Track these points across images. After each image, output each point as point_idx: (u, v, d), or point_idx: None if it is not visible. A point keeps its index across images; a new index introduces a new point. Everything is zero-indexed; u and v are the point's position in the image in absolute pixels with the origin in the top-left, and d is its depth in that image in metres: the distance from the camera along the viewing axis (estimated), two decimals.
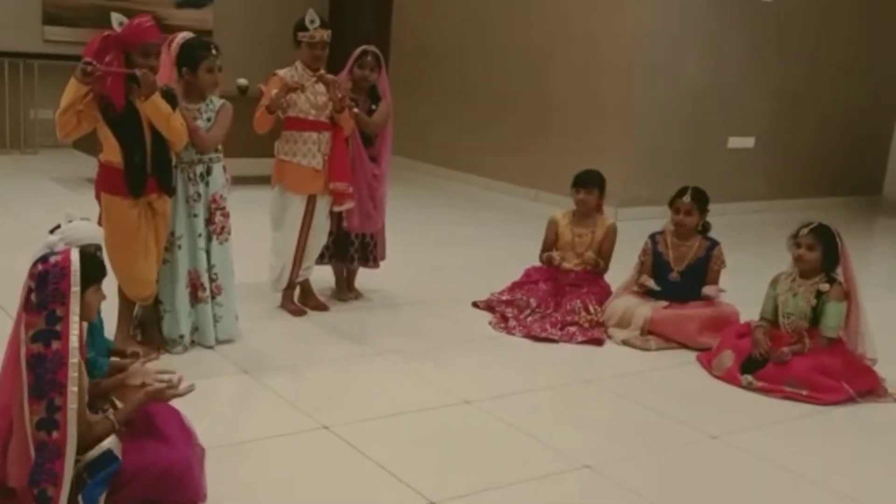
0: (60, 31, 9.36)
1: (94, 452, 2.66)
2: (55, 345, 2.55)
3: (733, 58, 8.39)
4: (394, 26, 10.16)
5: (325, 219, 4.72)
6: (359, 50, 4.77)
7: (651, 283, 4.81)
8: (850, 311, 4.27)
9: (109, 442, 2.68)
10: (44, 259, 2.59)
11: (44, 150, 9.13)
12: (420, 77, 9.65)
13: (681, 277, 4.82)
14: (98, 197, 3.93)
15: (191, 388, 2.81)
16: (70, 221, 2.80)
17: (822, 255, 4.27)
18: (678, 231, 4.85)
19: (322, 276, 5.06)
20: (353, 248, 4.94)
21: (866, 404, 4.12)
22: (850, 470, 3.52)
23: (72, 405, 2.55)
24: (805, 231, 4.30)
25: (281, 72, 4.58)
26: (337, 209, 4.73)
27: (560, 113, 8.39)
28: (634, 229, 5.47)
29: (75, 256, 2.59)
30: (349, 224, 4.84)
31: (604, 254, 5.06)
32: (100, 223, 3.80)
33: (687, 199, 4.79)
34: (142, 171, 3.79)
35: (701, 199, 4.81)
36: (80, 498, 2.60)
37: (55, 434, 2.55)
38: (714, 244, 4.86)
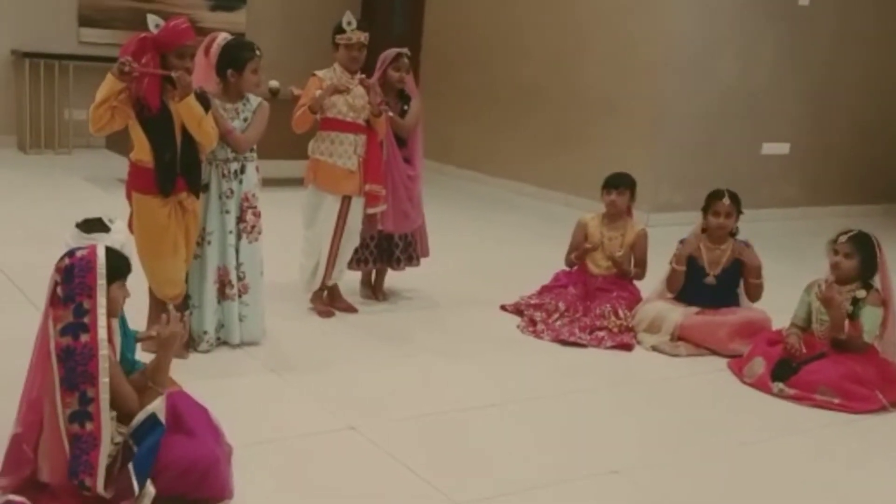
0: (95, 32, 9.44)
1: (140, 416, 2.71)
2: (84, 337, 2.58)
3: (768, 62, 8.30)
4: (426, 28, 10.17)
5: (358, 222, 4.73)
6: (393, 52, 4.80)
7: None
8: (887, 320, 4.21)
9: (154, 406, 2.71)
10: (70, 254, 2.65)
11: (77, 150, 9.21)
12: (451, 79, 9.65)
13: (716, 281, 4.78)
14: (129, 197, 3.95)
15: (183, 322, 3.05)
16: (111, 222, 2.83)
17: (859, 264, 4.21)
18: (713, 235, 4.81)
19: (348, 278, 5.06)
20: (399, 249, 4.98)
21: None
22: (881, 479, 3.47)
23: (104, 395, 2.58)
24: (844, 238, 4.23)
25: (320, 73, 4.62)
26: (370, 211, 4.75)
27: (591, 116, 8.34)
28: (666, 235, 5.42)
29: (101, 251, 2.64)
30: (383, 226, 4.87)
31: (638, 261, 5.04)
32: (130, 223, 3.83)
33: (727, 200, 4.75)
34: (171, 169, 3.82)
35: (737, 201, 4.78)
36: (130, 467, 2.63)
37: (89, 426, 2.59)
38: (746, 245, 4.81)
